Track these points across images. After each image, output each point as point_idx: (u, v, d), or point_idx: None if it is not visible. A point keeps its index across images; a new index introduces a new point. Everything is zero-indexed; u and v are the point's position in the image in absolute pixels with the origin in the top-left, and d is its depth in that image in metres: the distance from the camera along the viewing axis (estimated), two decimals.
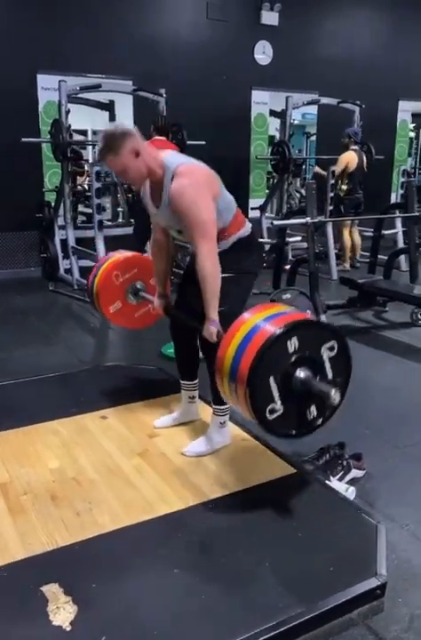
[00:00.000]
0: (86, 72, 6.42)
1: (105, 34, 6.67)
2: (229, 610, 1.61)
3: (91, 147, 8.79)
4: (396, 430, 3.08)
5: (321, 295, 4.72)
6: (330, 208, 6.57)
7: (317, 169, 7.53)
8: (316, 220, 4.80)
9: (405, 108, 9.38)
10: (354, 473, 2.52)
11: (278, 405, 1.86)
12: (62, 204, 6.15)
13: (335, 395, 1.83)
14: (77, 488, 2.19)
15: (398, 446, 2.93)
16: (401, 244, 7.13)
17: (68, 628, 1.51)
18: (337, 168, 6.73)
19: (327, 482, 2.30)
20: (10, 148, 5.99)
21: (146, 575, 1.76)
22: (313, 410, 1.94)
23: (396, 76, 8.74)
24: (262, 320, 1.90)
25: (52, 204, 6.21)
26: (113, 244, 5.98)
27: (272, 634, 1.51)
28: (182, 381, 2.70)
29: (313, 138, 9.09)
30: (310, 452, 2.53)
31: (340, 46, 8.29)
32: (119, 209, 7.51)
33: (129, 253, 3.06)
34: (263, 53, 7.86)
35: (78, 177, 7.23)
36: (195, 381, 2.69)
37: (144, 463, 2.37)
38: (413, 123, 9.97)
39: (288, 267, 5.66)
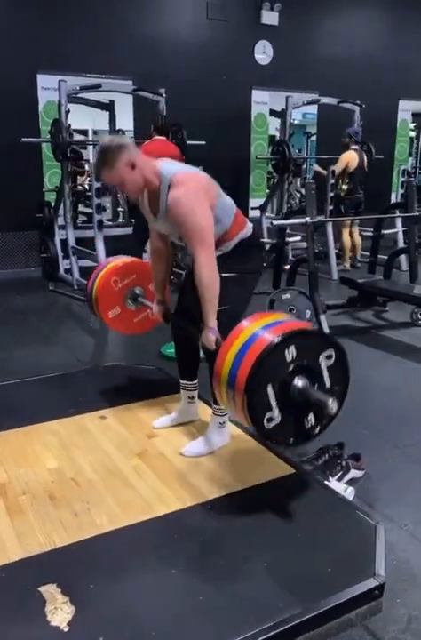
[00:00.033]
0: (86, 72, 6.42)
1: (105, 34, 6.67)
2: (226, 610, 1.61)
3: (91, 146, 8.82)
4: (396, 430, 3.08)
5: (321, 295, 4.70)
6: (330, 208, 6.56)
7: (317, 167, 7.52)
8: (316, 220, 4.79)
9: (405, 108, 9.37)
10: (353, 473, 2.51)
11: (276, 414, 1.86)
12: (62, 204, 6.15)
13: (332, 404, 1.83)
14: (76, 488, 2.19)
15: (398, 446, 2.92)
16: (401, 244, 7.13)
17: (66, 629, 1.51)
18: (338, 167, 6.72)
19: (326, 482, 2.30)
20: (10, 147, 5.99)
21: (144, 576, 1.76)
22: (311, 418, 1.94)
23: (396, 75, 8.73)
24: (260, 328, 1.90)
25: (52, 204, 6.21)
26: (113, 243, 6.01)
27: (269, 634, 1.50)
28: (182, 381, 2.70)
29: (314, 137, 9.09)
30: (309, 452, 2.53)
31: (340, 46, 8.29)
32: (119, 209, 7.52)
33: (128, 259, 3.09)
34: (263, 53, 7.86)
35: (78, 177, 7.23)
36: (195, 382, 2.69)
37: (142, 464, 2.37)
38: (414, 122, 9.96)
39: (288, 266, 5.65)
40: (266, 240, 6.91)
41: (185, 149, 5.81)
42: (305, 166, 9.13)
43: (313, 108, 8.52)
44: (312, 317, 4.57)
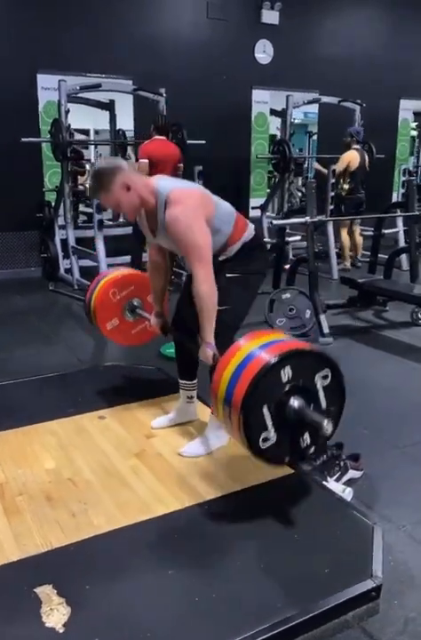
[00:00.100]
0: (86, 72, 6.42)
1: (105, 33, 6.67)
2: (223, 611, 1.60)
3: (93, 146, 8.82)
4: (396, 430, 3.07)
5: (322, 294, 4.70)
6: (331, 207, 6.56)
7: (317, 165, 7.51)
8: (316, 220, 4.79)
9: (406, 107, 9.36)
10: (352, 474, 2.51)
11: (271, 434, 1.86)
12: (62, 204, 6.15)
13: (327, 425, 1.83)
14: (73, 489, 2.19)
15: (397, 446, 2.91)
16: (402, 244, 7.12)
17: (61, 630, 1.50)
18: (339, 167, 6.71)
19: (324, 483, 2.29)
20: (10, 147, 5.99)
21: (141, 576, 1.76)
22: (307, 437, 1.94)
23: (397, 75, 8.72)
24: (257, 348, 1.90)
25: (53, 204, 6.22)
26: (113, 243, 6.02)
27: (265, 636, 1.50)
28: (181, 381, 2.70)
29: (316, 137, 9.07)
30: None
31: (341, 45, 8.28)
32: None
33: (126, 270, 3.12)
34: (263, 52, 7.85)
35: (79, 176, 7.22)
36: (194, 381, 2.69)
37: (140, 464, 2.37)
38: (415, 122, 9.95)
39: (288, 266, 5.64)
40: (266, 240, 6.91)
41: (185, 149, 5.82)
42: (306, 165, 9.12)
43: (315, 108, 8.50)
44: (312, 317, 4.57)
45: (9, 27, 6.20)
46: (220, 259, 2.40)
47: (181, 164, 5.63)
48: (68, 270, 6.14)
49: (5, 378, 3.31)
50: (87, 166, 7.56)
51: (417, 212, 5.69)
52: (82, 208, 7.33)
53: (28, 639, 1.52)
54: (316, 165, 7.54)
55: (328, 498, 2.16)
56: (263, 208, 7.76)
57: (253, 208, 7.79)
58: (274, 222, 5.56)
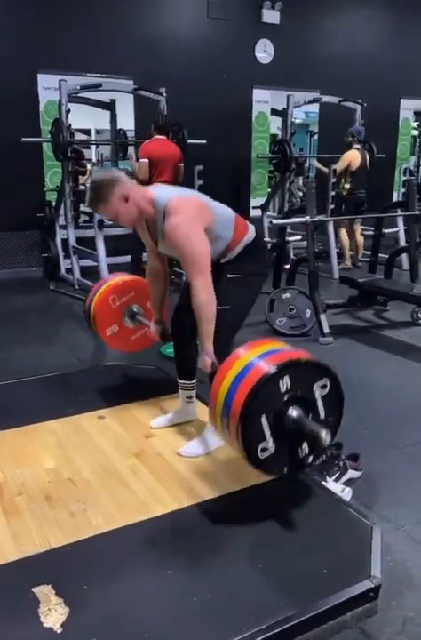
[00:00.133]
0: (87, 71, 6.41)
1: (105, 33, 6.66)
2: (222, 612, 1.61)
3: (94, 146, 8.83)
4: (396, 430, 3.07)
5: (322, 294, 4.70)
6: (332, 207, 6.54)
7: (317, 164, 7.48)
8: (316, 219, 4.78)
9: (407, 107, 9.34)
10: (351, 474, 2.50)
11: (270, 444, 1.87)
12: (63, 204, 6.15)
13: (326, 436, 1.83)
14: (72, 489, 2.19)
15: (397, 446, 2.91)
16: (402, 243, 7.11)
17: (59, 630, 1.51)
18: (340, 166, 6.70)
19: (323, 483, 2.29)
20: (10, 147, 5.99)
21: (139, 576, 1.76)
22: (305, 447, 1.94)
23: (397, 74, 8.70)
24: (256, 357, 1.91)
25: (53, 204, 6.22)
26: (114, 243, 6.01)
27: (264, 636, 1.50)
28: (180, 380, 2.70)
29: (317, 136, 9.06)
30: None
31: (341, 45, 8.27)
32: None
33: (126, 277, 3.11)
34: (264, 52, 7.84)
35: (80, 176, 7.22)
36: (194, 381, 2.69)
37: (140, 464, 2.37)
38: (416, 121, 9.93)
39: (288, 266, 5.64)
40: (267, 239, 6.90)
41: (185, 149, 5.81)
42: (307, 165, 9.11)
43: (316, 107, 8.48)
44: (312, 316, 4.57)
45: (9, 27, 6.20)
46: (222, 262, 2.41)
47: (182, 164, 5.62)
48: (69, 270, 6.13)
49: (5, 378, 3.32)
50: (88, 166, 7.56)
51: (417, 212, 5.68)
52: (82, 208, 7.32)
53: (26, 639, 1.52)
54: (316, 164, 7.53)
55: (327, 498, 2.17)
56: (264, 208, 7.76)
57: (254, 208, 7.79)
58: (275, 222, 5.55)
